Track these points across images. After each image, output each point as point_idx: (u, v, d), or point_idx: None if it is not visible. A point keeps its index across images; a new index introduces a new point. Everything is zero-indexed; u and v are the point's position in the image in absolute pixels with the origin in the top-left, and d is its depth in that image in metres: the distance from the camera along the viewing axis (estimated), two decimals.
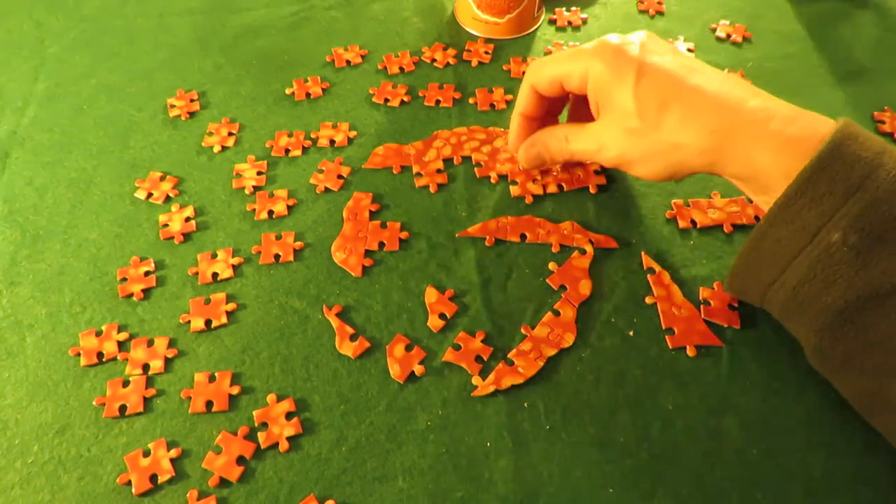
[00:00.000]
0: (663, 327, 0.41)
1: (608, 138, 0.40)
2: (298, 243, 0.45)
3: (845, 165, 0.31)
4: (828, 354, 0.34)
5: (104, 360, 0.40)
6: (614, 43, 0.38)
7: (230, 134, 0.52)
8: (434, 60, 0.58)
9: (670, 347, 0.40)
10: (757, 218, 0.46)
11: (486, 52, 0.58)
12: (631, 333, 0.41)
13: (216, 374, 0.39)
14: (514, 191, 0.48)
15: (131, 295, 0.42)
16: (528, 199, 0.47)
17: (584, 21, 0.62)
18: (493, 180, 0.49)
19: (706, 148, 0.36)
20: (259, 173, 0.49)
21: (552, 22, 0.62)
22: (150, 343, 0.40)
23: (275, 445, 0.36)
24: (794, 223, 0.32)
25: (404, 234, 0.45)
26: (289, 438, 0.37)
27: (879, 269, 0.31)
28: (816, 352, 0.35)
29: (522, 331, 0.41)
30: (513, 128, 0.46)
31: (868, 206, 0.30)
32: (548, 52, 0.59)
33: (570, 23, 0.62)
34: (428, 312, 0.42)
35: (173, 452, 0.36)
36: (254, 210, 0.47)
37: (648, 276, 0.43)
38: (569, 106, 0.47)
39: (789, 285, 0.34)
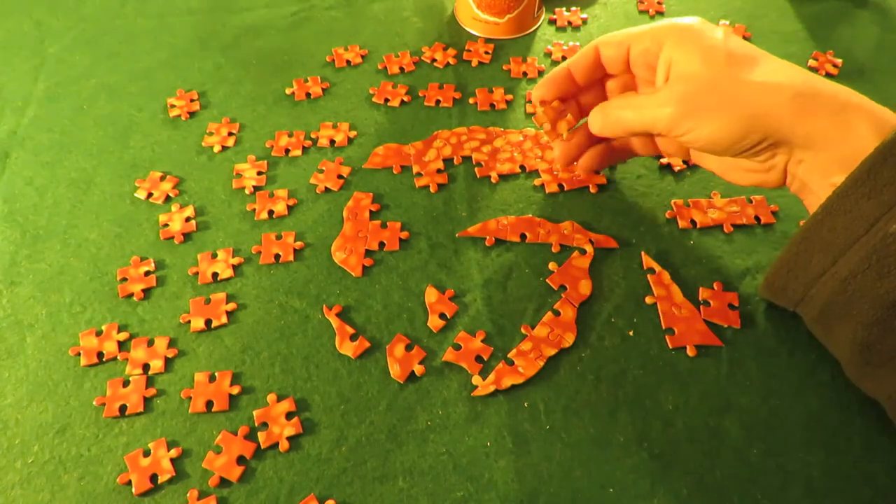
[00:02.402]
0: (663, 327, 0.41)
1: (678, 91, 0.36)
2: (298, 243, 0.45)
3: None
4: (875, 350, 0.34)
5: (104, 359, 0.40)
6: (695, 20, 0.38)
7: (230, 134, 0.52)
8: (434, 60, 0.58)
9: (670, 347, 0.40)
10: (757, 218, 0.46)
11: (486, 52, 0.58)
12: (631, 333, 0.41)
13: (216, 374, 0.39)
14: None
15: (131, 295, 0.42)
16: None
17: (585, 21, 0.62)
18: (493, 180, 0.49)
19: (797, 96, 0.33)
20: (259, 173, 0.49)
21: (552, 22, 0.62)
22: (151, 343, 0.40)
23: (275, 445, 0.36)
24: (852, 212, 0.32)
25: (404, 234, 0.45)
26: (289, 438, 0.37)
27: None
28: (862, 349, 0.34)
29: (522, 331, 0.41)
30: (551, 74, 0.42)
31: None
32: (548, 52, 0.59)
33: (570, 23, 0.62)
34: (428, 312, 0.42)
35: (173, 452, 0.36)
36: (254, 210, 0.47)
37: (648, 276, 0.43)
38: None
39: (840, 276, 0.33)
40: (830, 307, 0.35)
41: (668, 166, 0.49)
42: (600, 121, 0.41)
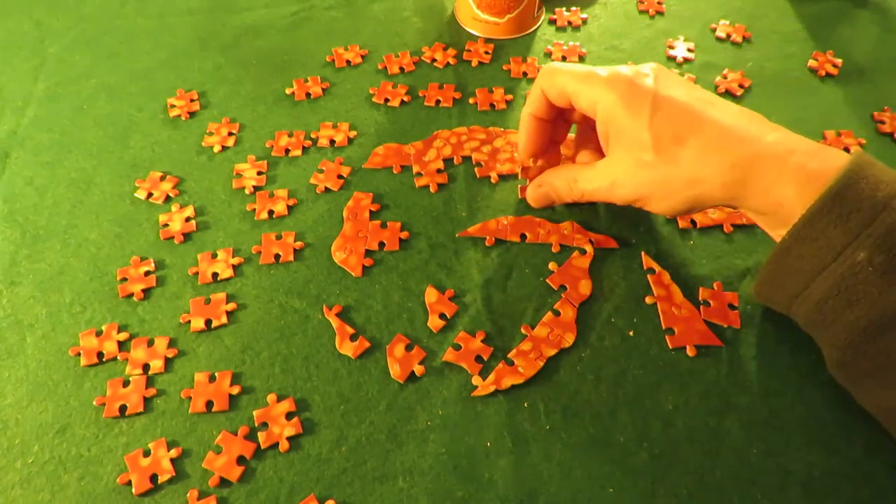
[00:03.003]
0: (663, 327, 0.41)
1: (621, 173, 0.38)
2: (298, 243, 0.45)
3: (870, 185, 0.31)
4: (850, 369, 0.34)
5: (104, 359, 0.40)
6: (627, 74, 0.37)
7: (230, 134, 0.52)
8: (434, 60, 0.58)
9: (670, 347, 0.40)
10: None
11: (486, 52, 0.58)
12: (631, 333, 0.41)
13: (216, 374, 0.39)
14: (523, 191, 0.48)
15: (131, 295, 0.42)
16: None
17: (584, 21, 0.62)
18: (493, 180, 0.49)
19: (727, 182, 0.35)
20: (259, 173, 0.49)
21: (552, 22, 0.62)
22: (151, 343, 0.40)
23: (275, 445, 0.36)
24: (819, 241, 0.32)
25: (404, 234, 0.45)
26: (289, 438, 0.37)
27: None
28: (839, 365, 0.35)
29: (522, 331, 0.41)
30: (522, 128, 0.44)
31: (894, 226, 0.30)
32: (548, 52, 0.59)
33: (570, 23, 0.62)
34: (428, 312, 0.42)
35: (173, 452, 0.36)
36: (254, 210, 0.47)
37: (648, 276, 0.43)
38: (575, 131, 0.47)
39: (813, 300, 0.34)
40: (810, 325, 0.36)
41: None
42: (532, 198, 0.46)
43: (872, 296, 0.31)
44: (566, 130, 0.47)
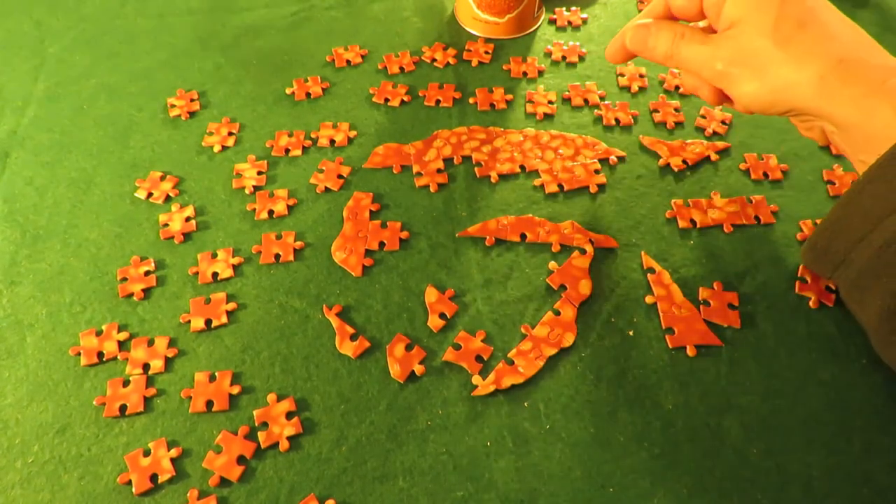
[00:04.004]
0: (663, 327, 0.41)
1: (728, 46, 0.37)
2: (298, 243, 0.45)
3: None
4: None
5: (104, 359, 0.40)
6: None
7: (230, 134, 0.52)
8: (434, 60, 0.58)
9: (670, 347, 0.40)
10: (757, 218, 0.46)
11: (486, 52, 0.58)
12: (631, 333, 0.41)
13: (216, 374, 0.39)
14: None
15: (131, 295, 0.42)
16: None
17: (584, 21, 0.62)
18: (493, 180, 0.49)
19: (825, 76, 0.34)
20: (259, 173, 0.49)
21: (552, 22, 0.62)
22: (151, 343, 0.40)
23: (275, 445, 0.36)
24: (892, 182, 0.33)
25: (404, 234, 0.45)
26: (289, 438, 0.37)
27: None
28: (890, 315, 0.35)
29: (522, 330, 0.41)
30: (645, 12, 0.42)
31: None
32: (548, 52, 0.59)
33: (570, 23, 0.62)
34: (428, 312, 0.42)
35: (173, 452, 0.36)
36: (254, 210, 0.47)
37: (648, 276, 0.43)
38: None
39: (877, 242, 0.34)
40: (866, 272, 0.36)
41: (668, 166, 0.49)
42: (629, 38, 0.41)
43: None
44: None
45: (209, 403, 0.38)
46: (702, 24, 0.41)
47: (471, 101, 0.54)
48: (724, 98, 0.41)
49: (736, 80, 0.37)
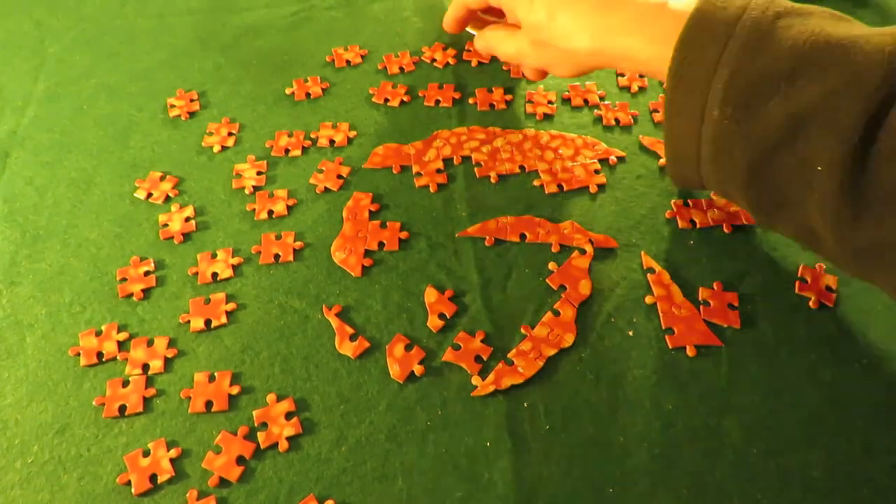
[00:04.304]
0: (663, 327, 0.41)
1: (525, 47, 0.45)
2: (298, 243, 0.45)
3: (699, 46, 0.34)
4: (755, 207, 0.36)
5: (104, 359, 0.40)
6: None
7: (230, 134, 0.52)
8: (434, 60, 0.58)
9: (670, 347, 0.40)
10: None
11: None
12: (631, 333, 0.41)
13: (216, 374, 0.39)
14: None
15: (131, 295, 0.42)
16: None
17: None
18: (493, 180, 0.49)
19: (593, 49, 0.39)
20: (259, 173, 0.49)
21: None
22: (150, 343, 0.40)
23: (274, 445, 0.36)
24: (683, 112, 0.35)
25: (404, 234, 0.45)
26: (288, 438, 0.37)
27: (759, 131, 0.32)
28: (752, 209, 0.37)
29: (522, 331, 0.41)
30: (451, 7, 0.52)
31: (727, 83, 0.33)
32: None
33: None
34: (428, 312, 0.41)
35: (173, 452, 0.36)
36: (254, 210, 0.47)
37: (648, 276, 0.43)
38: None
39: (708, 159, 0.36)
40: (719, 183, 0.37)
41: None
42: (481, 46, 0.51)
43: (741, 143, 0.33)
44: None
45: (209, 404, 0.38)
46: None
47: (471, 101, 0.54)
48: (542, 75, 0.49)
49: (550, 69, 0.46)
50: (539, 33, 0.42)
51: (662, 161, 0.49)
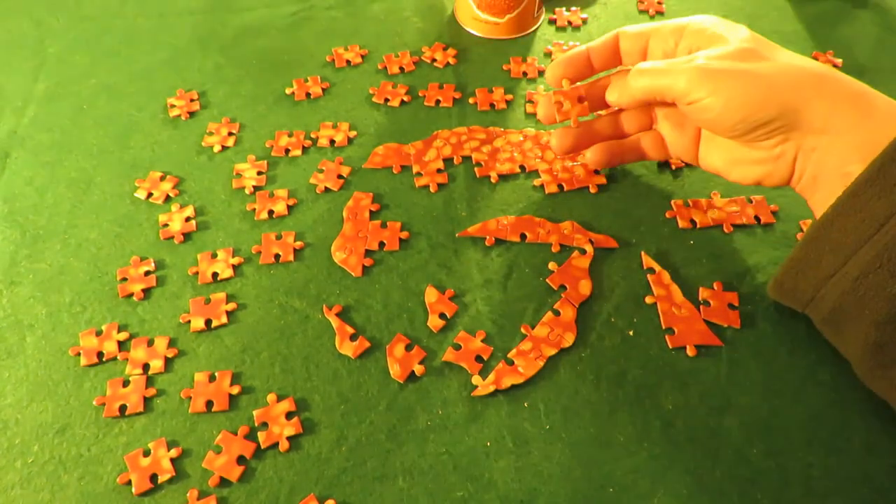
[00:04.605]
0: (663, 327, 0.41)
1: (704, 58, 0.37)
2: (298, 243, 0.45)
3: None
4: (888, 349, 0.33)
5: (104, 359, 0.40)
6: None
7: (230, 134, 0.52)
8: (434, 60, 0.58)
9: (670, 347, 0.40)
10: (757, 218, 0.46)
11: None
12: (631, 333, 0.41)
13: (216, 374, 0.39)
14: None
15: (131, 295, 0.42)
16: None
17: (584, 21, 0.62)
18: (493, 180, 0.49)
19: (821, 74, 0.34)
20: (259, 173, 0.49)
21: (552, 22, 0.62)
22: (151, 343, 0.40)
23: (275, 445, 0.36)
24: (862, 212, 0.32)
25: (404, 234, 0.45)
26: (289, 438, 0.37)
27: None
28: (875, 348, 0.34)
29: (522, 331, 0.41)
30: (568, 56, 0.43)
31: None
32: (548, 52, 0.59)
33: (570, 23, 0.62)
34: (428, 312, 0.42)
35: (173, 452, 0.36)
36: (254, 210, 0.47)
37: (648, 275, 0.43)
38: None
39: (851, 276, 0.33)
40: (841, 307, 0.35)
41: (667, 164, 0.49)
42: (617, 90, 0.42)
43: None
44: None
45: (209, 403, 0.38)
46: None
47: (471, 101, 0.54)
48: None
49: (716, 84, 0.36)
50: (754, 44, 0.36)
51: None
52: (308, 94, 0.55)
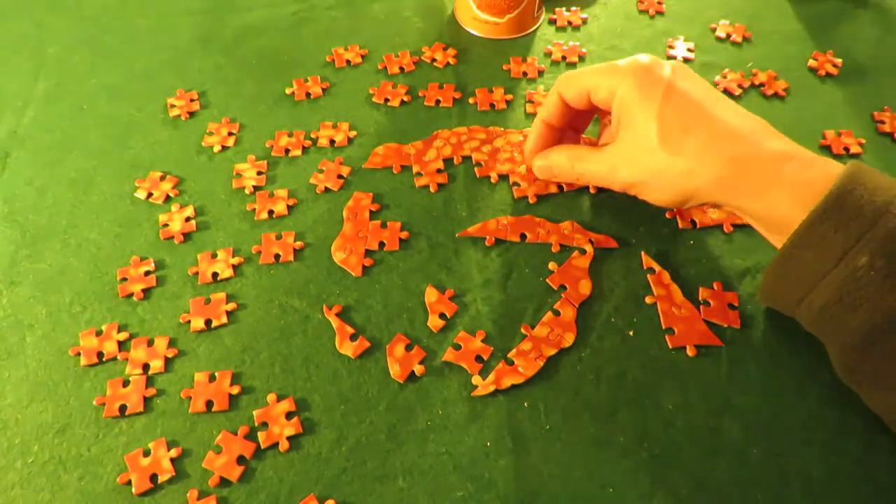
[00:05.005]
0: (663, 327, 0.41)
1: (622, 159, 0.40)
2: (298, 243, 0.45)
3: (868, 191, 0.32)
4: (856, 373, 0.34)
5: (104, 359, 0.40)
6: (646, 62, 0.39)
7: (230, 134, 0.52)
8: (434, 60, 0.58)
9: (670, 347, 0.40)
10: None
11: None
12: (631, 333, 0.41)
13: (216, 374, 0.39)
14: (518, 191, 0.48)
15: (131, 295, 0.42)
16: (532, 199, 0.47)
17: (584, 21, 0.62)
18: (493, 180, 0.49)
19: (722, 177, 0.36)
20: (259, 173, 0.49)
21: (552, 22, 0.62)
22: (151, 343, 0.40)
23: (275, 445, 0.36)
24: (820, 246, 0.32)
25: (404, 234, 0.45)
26: (289, 438, 0.37)
27: None
28: (845, 368, 0.35)
29: (522, 330, 0.41)
30: (532, 133, 0.46)
31: (895, 231, 0.31)
32: (548, 52, 0.59)
33: (570, 23, 0.62)
34: (428, 312, 0.42)
35: (173, 452, 0.36)
36: (254, 210, 0.47)
37: (648, 275, 0.43)
38: (598, 126, 0.48)
39: (816, 305, 0.34)
40: (814, 329, 0.36)
41: None
42: (536, 168, 0.46)
43: (875, 300, 0.31)
44: (586, 122, 0.48)
45: (209, 403, 0.38)
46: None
47: (471, 101, 0.54)
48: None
49: (642, 190, 0.40)
50: (661, 142, 0.37)
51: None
52: (308, 95, 0.55)
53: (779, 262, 0.35)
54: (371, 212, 0.47)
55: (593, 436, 0.37)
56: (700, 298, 0.42)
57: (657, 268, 0.43)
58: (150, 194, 0.48)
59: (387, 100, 0.54)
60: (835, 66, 0.57)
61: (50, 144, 0.52)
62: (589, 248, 0.44)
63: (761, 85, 0.56)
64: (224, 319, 0.41)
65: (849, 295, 0.32)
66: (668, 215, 0.46)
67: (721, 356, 0.39)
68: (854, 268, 0.31)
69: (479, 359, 0.39)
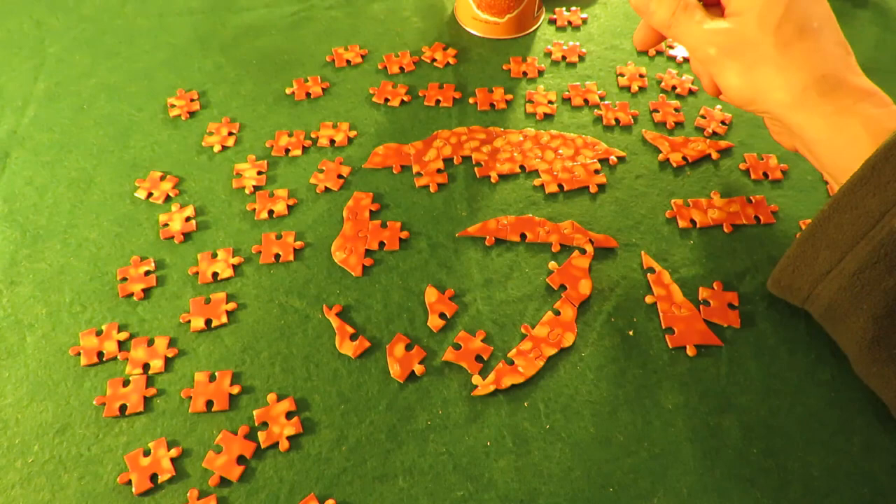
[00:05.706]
0: (663, 327, 0.41)
1: (726, 34, 0.37)
2: (298, 243, 0.45)
3: None
4: (884, 343, 0.34)
5: (104, 359, 0.40)
6: None
7: (230, 134, 0.52)
8: (434, 60, 0.58)
9: (670, 347, 0.40)
10: (757, 218, 0.46)
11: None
12: (631, 333, 0.41)
13: (216, 374, 0.39)
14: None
15: (131, 294, 0.42)
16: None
17: (584, 21, 0.62)
18: (493, 180, 0.49)
19: (808, 87, 0.35)
20: (259, 173, 0.49)
21: (552, 22, 0.62)
22: (151, 342, 0.40)
23: (275, 445, 0.36)
24: (858, 209, 0.33)
25: (404, 234, 0.45)
26: (289, 438, 0.37)
27: None
28: (873, 343, 0.34)
29: (522, 330, 0.41)
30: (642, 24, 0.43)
31: None
32: (548, 52, 0.59)
33: (570, 23, 0.62)
34: (428, 312, 0.42)
35: (173, 452, 0.36)
36: (254, 210, 0.47)
37: (648, 275, 0.43)
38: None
39: (848, 271, 0.34)
40: (838, 303, 0.35)
41: (668, 162, 0.49)
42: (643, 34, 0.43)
43: None
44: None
45: (209, 403, 0.38)
46: None
47: (471, 101, 0.54)
48: (718, 90, 0.41)
49: (724, 69, 0.38)
50: (777, 33, 0.35)
51: (662, 156, 0.49)
52: (308, 94, 0.55)
53: (814, 228, 0.35)
54: (371, 212, 0.47)
55: (593, 435, 0.37)
56: (700, 298, 0.42)
57: (657, 268, 0.43)
58: (150, 194, 0.48)
59: (387, 100, 0.54)
60: None
61: (50, 144, 0.52)
62: (589, 248, 0.44)
63: None
64: (224, 319, 0.41)
65: (886, 256, 0.32)
66: (667, 215, 0.46)
67: (721, 356, 0.40)
68: (892, 229, 0.32)
69: (479, 358, 0.39)
